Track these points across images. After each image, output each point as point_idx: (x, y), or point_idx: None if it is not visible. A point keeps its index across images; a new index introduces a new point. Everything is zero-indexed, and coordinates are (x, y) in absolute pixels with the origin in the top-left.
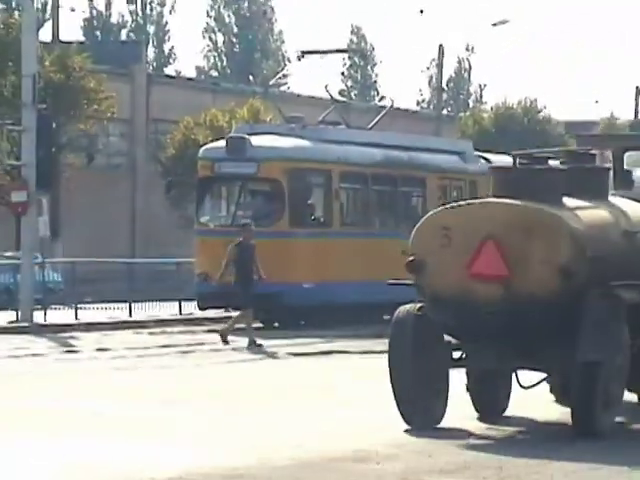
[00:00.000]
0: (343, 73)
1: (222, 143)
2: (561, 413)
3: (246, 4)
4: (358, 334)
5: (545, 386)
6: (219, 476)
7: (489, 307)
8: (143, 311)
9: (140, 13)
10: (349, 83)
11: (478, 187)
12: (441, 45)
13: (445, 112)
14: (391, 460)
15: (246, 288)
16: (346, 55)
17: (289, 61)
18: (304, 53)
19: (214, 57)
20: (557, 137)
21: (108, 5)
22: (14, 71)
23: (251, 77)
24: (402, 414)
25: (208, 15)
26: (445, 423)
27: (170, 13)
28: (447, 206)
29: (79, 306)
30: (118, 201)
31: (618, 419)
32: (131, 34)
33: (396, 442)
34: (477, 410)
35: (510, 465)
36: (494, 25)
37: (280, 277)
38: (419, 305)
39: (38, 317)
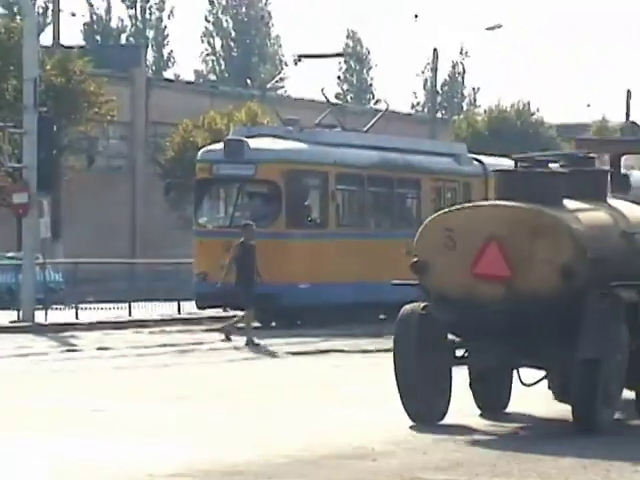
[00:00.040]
0: (339, 77)
1: (220, 145)
2: (561, 410)
3: (244, 9)
4: (354, 333)
5: (545, 383)
6: (219, 473)
7: (492, 306)
8: (143, 310)
9: (139, 18)
10: (345, 86)
11: (472, 189)
12: (435, 49)
13: (439, 115)
14: (387, 457)
15: (248, 288)
16: (342, 59)
17: (286, 65)
18: (301, 57)
19: (212, 61)
20: (550, 140)
21: (108, 10)
22: (15, 75)
23: (249, 81)
24: (406, 410)
25: (206, 20)
26: (447, 419)
27: (169, 18)
28: (451, 208)
29: (80, 306)
30: (118, 203)
31: (617, 416)
32: (131, 38)
33: (392, 439)
34: (479, 407)
35: (504, 462)
36: (488, 29)
37: (277, 277)
38: (423, 304)
39: (39, 317)
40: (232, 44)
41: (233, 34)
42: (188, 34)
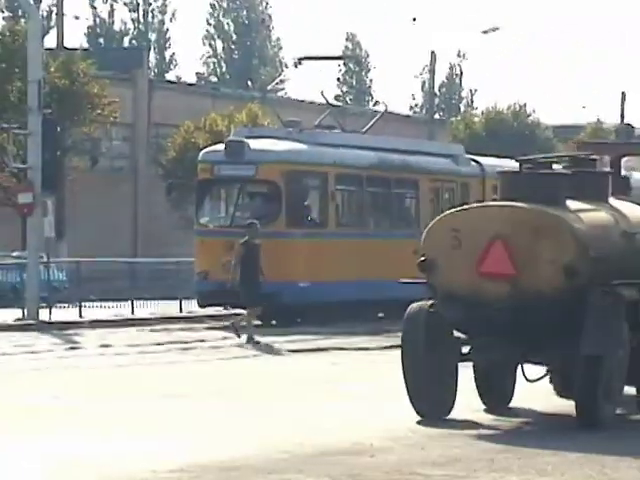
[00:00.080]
0: (339, 79)
1: (221, 146)
2: (562, 405)
3: (245, 12)
4: (353, 331)
5: (546, 379)
6: (219, 468)
7: (497, 304)
8: (145, 309)
9: (142, 20)
10: (344, 88)
11: (469, 189)
12: (433, 52)
13: (437, 116)
14: (385, 453)
15: (252, 286)
16: (341, 61)
17: (286, 67)
18: (301, 59)
19: (214, 63)
20: (545, 141)
21: (111, 13)
22: (20, 77)
23: (249, 83)
24: (414, 405)
25: (208, 23)
26: (453, 414)
27: (171, 21)
28: (457, 209)
29: (83, 304)
30: (121, 203)
31: (618, 411)
32: (133, 41)
33: (391, 435)
34: (483, 402)
35: (502, 457)
36: (485, 32)
37: (277, 276)
38: (430, 302)
39: (43, 315)
40: (233, 47)
41: (234, 37)
42: (190, 37)
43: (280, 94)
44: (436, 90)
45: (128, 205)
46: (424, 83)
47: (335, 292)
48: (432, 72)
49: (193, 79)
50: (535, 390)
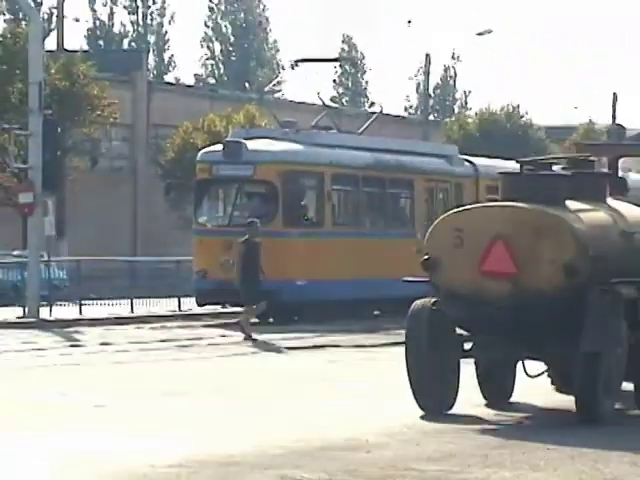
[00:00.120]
0: (335, 80)
1: (219, 147)
2: (560, 400)
3: (242, 15)
4: (349, 329)
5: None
6: (216, 463)
7: (498, 302)
8: (144, 307)
9: (141, 23)
10: (340, 90)
11: (463, 189)
12: (428, 54)
13: (432, 117)
14: (381, 448)
15: (252, 284)
16: (338, 63)
17: (283, 69)
18: (297, 61)
19: (212, 65)
20: (538, 141)
21: (111, 15)
22: (21, 78)
23: (247, 84)
24: (417, 400)
25: (206, 25)
26: (455, 409)
27: (170, 23)
28: (459, 209)
29: (83, 302)
30: (120, 202)
31: (616, 406)
32: (132, 43)
33: (386, 431)
34: (485, 397)
35: (496, 453)
36: (478, 35)
37: (274, 275)
38: (433, 300)
39: (44, 313)
40: (231, 49)
41: (232, 39)
42: (188, 39)
43: (277, 95)
44: (430, 92)
45: (127, 205)
46: (419, 85)
47: (331, 290)
48: (427, 74)
49: (191, 81)
50: (535, 385)
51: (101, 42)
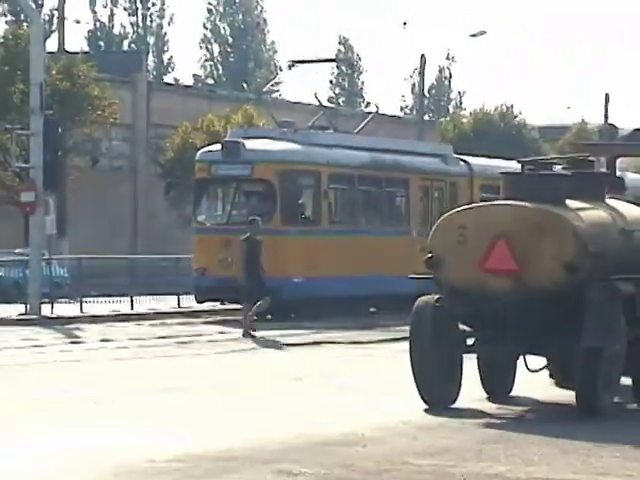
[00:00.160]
0: (331, 81)
1: (218, 147)
2: (561, 394)
3: (240, 16)
4: (346, 326)
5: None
6: (215, 458)
7: (501, 298)
8: (144, 304)
9: (141, 25)
10: (337, 90)
11: (458, 188)
12: (423, 55)
13: (427, 117)
14: (377, 443)
15: (256, 281)
16: (334, 64)
17: (281, 70)
18: (295, 62)
19: (210, 66)
20: (532, 141)
21: (111, 17)
22: (22, 79)
23: (245, 85)
24: (421, 395)
25: (205, 27)
26: (456, 403)
27: (169, 25)
28: (463, 207)
29: (84, 299)
30: (120, 201)
31: (615, 400)
32: (132, 44)
33: (382, 426)
34: (486, 391)
35: (490, 447)
36: (473, 36)
37: (272, 272)
38: (437, 297)
39: (45, 310)
40: (229, 50)
41: (230, 40)
42: (187, 40)
43: (275, 96)
44: (426, 92)
45: (128, 203)
46: (414, 85)
47: (328, 287)
48: (422, 74)
49: (190, 81)
50: (535, 380)
51: (101, 43)
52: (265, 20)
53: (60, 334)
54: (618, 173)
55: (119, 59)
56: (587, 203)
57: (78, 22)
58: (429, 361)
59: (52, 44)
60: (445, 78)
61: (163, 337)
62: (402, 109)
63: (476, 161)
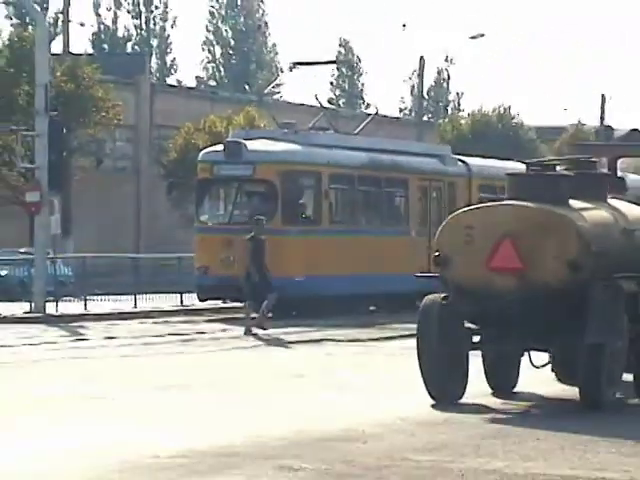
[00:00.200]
0: (332, 83)
1: (220, 147)
2: (564, 390)
3: (242, 19)
4: (346, 324)
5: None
6: (218, 454)
7: (506, 297)
8: (147, 302)
9: (144, 27)
10: (337, 92)
11: (456, 188)
12: (422, 57)
13: (426, 119)
14: (377, 439)
15: (263, 279)
16: (335, 66)
17: (282, 72)
18: (296, 64)
19: (212, 68)
20: (529, 141)
21: (115, 20)
22: (28, 81)
23: (247, 86)
24: (428, 391)
25: (207, 29)
26: (464, 399)
27: (172, 27)
28: (469, 207)
29: (88, 298)
30: (124, 201)
31: (617, 395)
32: (136, 47)
33: (382, 423)
34: (491, 387)
35: (488, 443)
36: (471, 38)
37: (274, 271)
38: (443, 295)
39: (50, 308)
40: (231, 52)
41: (232, 43)
42: (190, 43)
43: (276, 97)
44: (424, 93)
45: (131, 203)
46: (413, 87)
47: (329, 286)
48: (421, 76)
49: (193, 83)
50: (540, 376)
51: (105, 46)
52: (266, 23)
53: (65, 332)
54: (619, 173)
55: (123, 61)
56: (590, 203)
57: (82, 25)
58: (436, 358)
59: (57, 46)
60: (444, 80)
61: (166, 335)
62: (401, 110)
63: (474, 161)
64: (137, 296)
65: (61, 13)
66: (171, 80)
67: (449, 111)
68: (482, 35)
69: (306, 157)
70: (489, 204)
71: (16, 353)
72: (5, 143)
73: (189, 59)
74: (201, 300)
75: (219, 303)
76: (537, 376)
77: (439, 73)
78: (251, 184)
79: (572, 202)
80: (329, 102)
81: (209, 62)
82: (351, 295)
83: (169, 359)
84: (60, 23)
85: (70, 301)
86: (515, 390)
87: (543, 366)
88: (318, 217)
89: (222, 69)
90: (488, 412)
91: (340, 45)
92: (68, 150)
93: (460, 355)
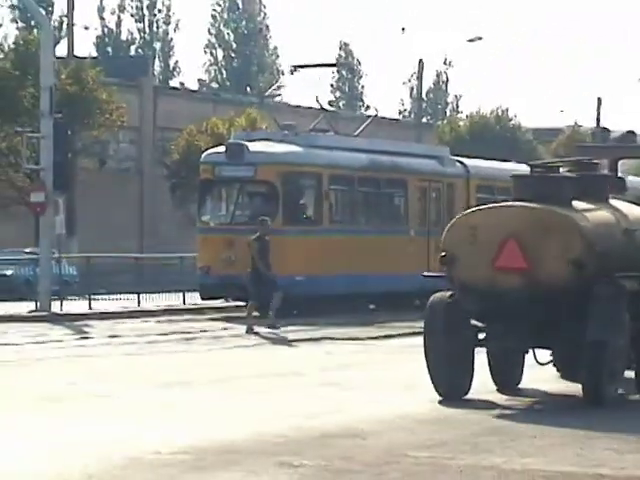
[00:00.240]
0: (332, 85)
1: (222, 149)
2: (567, 386)
3: (244, 22)
4: (346, 322)
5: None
6: (218, 450)
7: (511, 295)
8: (150, 301)
9: (147, 30)
10: (337, 94)
11: (455, 189)
12: (421, 60)
13: (424, 120)
14: (376, 436)
15: (269, 279)
16: (335, 69)
17: (283, 74)
18: (297, 67)
19: (215, 70)
20: (526, 143)
21: (118, 23)
22: (33, 84)
23: (248, 89)
24: (435, 387)
25: (209, 32)
26: (469, 395)
27: (175, 31)
28: (475, 208)
29: (92, 297)
30: (127, 202)
31: (619, 391)
32: (139, 50)
33: (381, 420)
34: (495, 384)
35: (486, 440)
36: (469, 41)
37: (274, 270)
38: (450, 293)
39: (55, 307)
40: (233, 55)
41: (234, 46)
42: (192, 46)
43: (277, 99)
44: (423, 96)
45: (134, 204)
46: (412, 89)
47: (329, 285)
48: (420, 79)
49: (195, 85)
50: (544, 373)
51: (109, 49)
52: (268, 26)
53: (69, 330)
54: (620, 174)
55: (126, 64)
56: (592, 204)
57: (87, 28)
58: (442, 355)
59: (61, 49)
60: (442, 82)
61: (169, 333)
62: (401, 112)
63: (472, 162)
64: (140, 295)
65: (66, 17)
66: (174, 82)
67: (447, 113)
68: (480, 38)
69: (307, 158)
70: (494, 205)
71: (21, 351)
72: (11, 145)
73: (191, 62)
74: (203, 299)
75: (221, 302)
76: (541, 373)
77: (438, 76)
78: (252, 185)
79: (575, 203)
80: (329, 104)
81: (211, 65)
82: (351, 294)
83: (172, 357)
84: (65, 26)
85: (75, 300)
86: (519, 387)
87: (547, 363)
88: (318, 217)
89: (224, 72)
90: (488, 409)
91: (340, 48)
92: (73, 151)
93: (466, 352)
